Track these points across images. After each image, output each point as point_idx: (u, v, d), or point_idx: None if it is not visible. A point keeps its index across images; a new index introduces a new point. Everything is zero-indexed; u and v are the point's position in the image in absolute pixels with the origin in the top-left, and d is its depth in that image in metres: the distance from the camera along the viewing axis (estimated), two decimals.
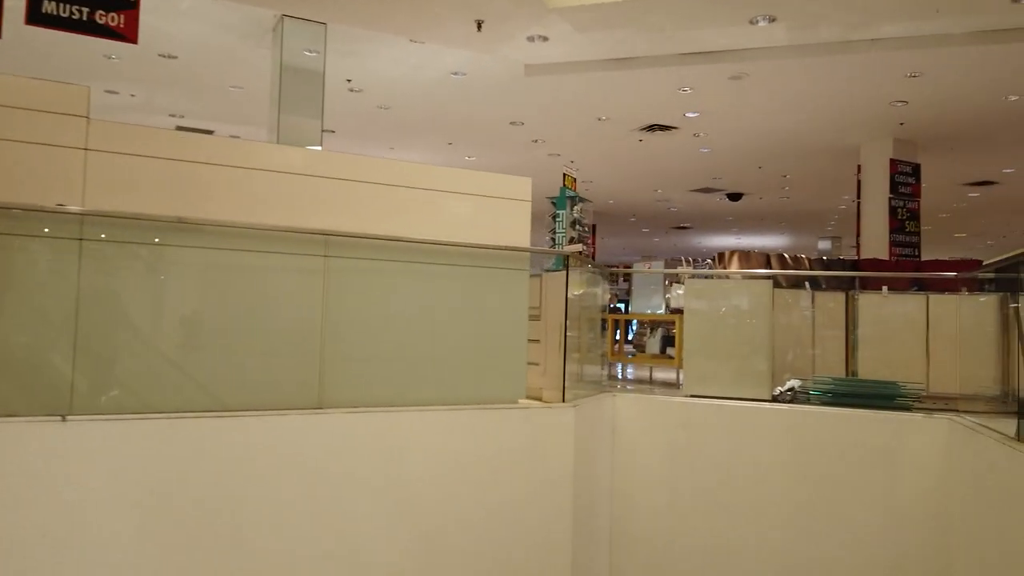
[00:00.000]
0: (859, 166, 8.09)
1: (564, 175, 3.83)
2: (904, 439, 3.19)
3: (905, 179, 7.65)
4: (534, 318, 3.77)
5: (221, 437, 2.28)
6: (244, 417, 2.31)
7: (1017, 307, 2.80)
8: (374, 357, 2.60)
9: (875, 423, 3.24)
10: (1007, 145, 7.85)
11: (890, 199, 7.56)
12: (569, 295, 3.33)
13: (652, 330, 5.57)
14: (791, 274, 4.08)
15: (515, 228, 2.85)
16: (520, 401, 2.80)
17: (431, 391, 2.65)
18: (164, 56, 5.64)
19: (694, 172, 9.65)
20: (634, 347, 6.00)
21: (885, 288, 4.02)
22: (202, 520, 2.22)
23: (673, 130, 7.54)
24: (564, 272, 3.28)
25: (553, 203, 3.82)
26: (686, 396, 3.56)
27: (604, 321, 4.26)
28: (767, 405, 3.41)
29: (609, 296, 6.74)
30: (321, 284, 2.50)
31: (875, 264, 4.43)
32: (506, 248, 2.82)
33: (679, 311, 4.26)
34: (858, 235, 8.08)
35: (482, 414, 2.68)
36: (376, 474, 2.49)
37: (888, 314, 3.94)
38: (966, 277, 3.99)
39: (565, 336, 3.02)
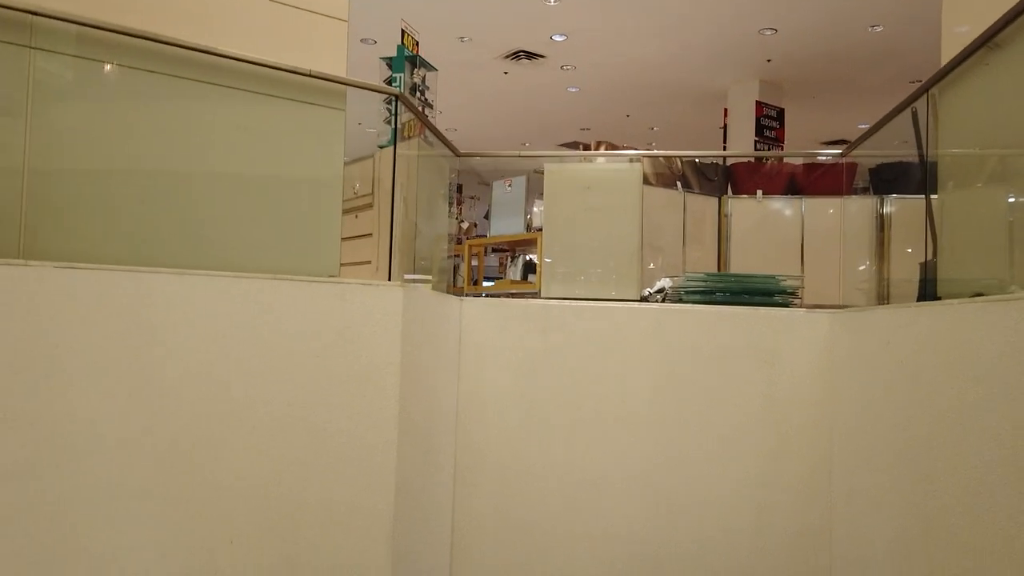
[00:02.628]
0: (725, 110, 7.97)
1: (403, 32, 3.20)
2: (784, 336, 2.82)
3: (770, 123, 7.58)
4: (366, 207, 3.14)
5: None
6: None
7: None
8: (120, 200, 1.90)
9: (753, 320, 2.85)
10: (867, 92, 7.94)
11: (756, 142, 7.46)
12: (407, 169, 2.73)
13: (513, 257, 5.06)
14: (661, 154, 3.68)
15: (326, 54, 2.20)
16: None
17: (202, 253, 1.98)
18: None
19: (562, 119, 9.27)
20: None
21: (759, 192, 3.67)
22: None
23: (540, 59, 7.05)
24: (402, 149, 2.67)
25: (389, 65, 3.18)
26: (544, 299, 3.05)
27: (455, 243, 3.70)
28: (636, 305, 2.95)
29: (467, 225, 6.20)
30: (24, 87, 1.76)
31: (749, 168, 4.16)
32: (309, 74, 2.16)
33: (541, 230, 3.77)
34: None
35: (276, 287, 2.03)
36: (113, 353, 1.80)
37: (762, 219, 3.60)
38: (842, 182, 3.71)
39: (393, 199, 2.40)
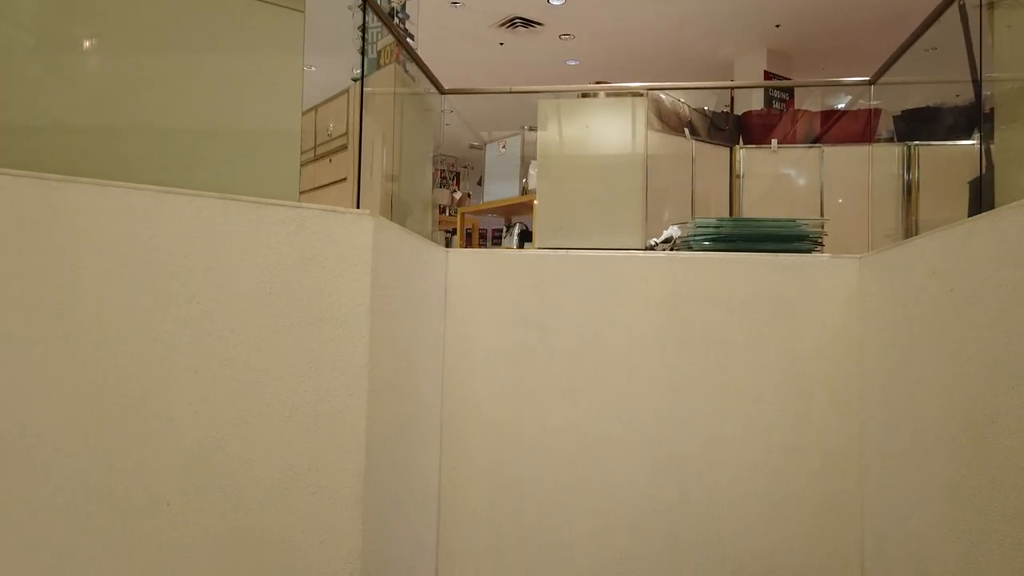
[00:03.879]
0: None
1: None
2: (807, 284, 2.52)
3: (780, 93, 7.26)
4: (340, 148, 2.84)
5: None
6: None
7: None
8: (31, 97, 1.60)
9: (772, 268, 2.55)
10: (878, 62, 7.62)
11: (765, 112, 7.13)
12: (383, 105, 2.44)
13: (508, 227, 4.76)
14: (667, 87, 3.38)
15: None
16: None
17: (128, 163, 1.69)
18: None
19: None
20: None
21: (774, 142, 3.37)
22: None
23: (537, 27, 6.75)
24: (377, 81, 2.37)
25: None
26: (539, 250, 2.76)
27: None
28: (640, 254, 2.65)
29: (460, 195, 5.90)
30: None
31: (762, 117, 3.85)
32: None
33: None
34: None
35: (219, 207, 1.73)
36: (10, 277, 1.50)
37: (777, 169, 3.30)
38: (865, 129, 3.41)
39: (361, 115, 2.10)
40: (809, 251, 2.60)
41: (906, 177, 3.08)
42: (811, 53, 7.34)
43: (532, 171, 4.30)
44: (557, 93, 2.73)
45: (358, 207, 2.03)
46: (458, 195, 5.50)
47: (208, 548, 1.69)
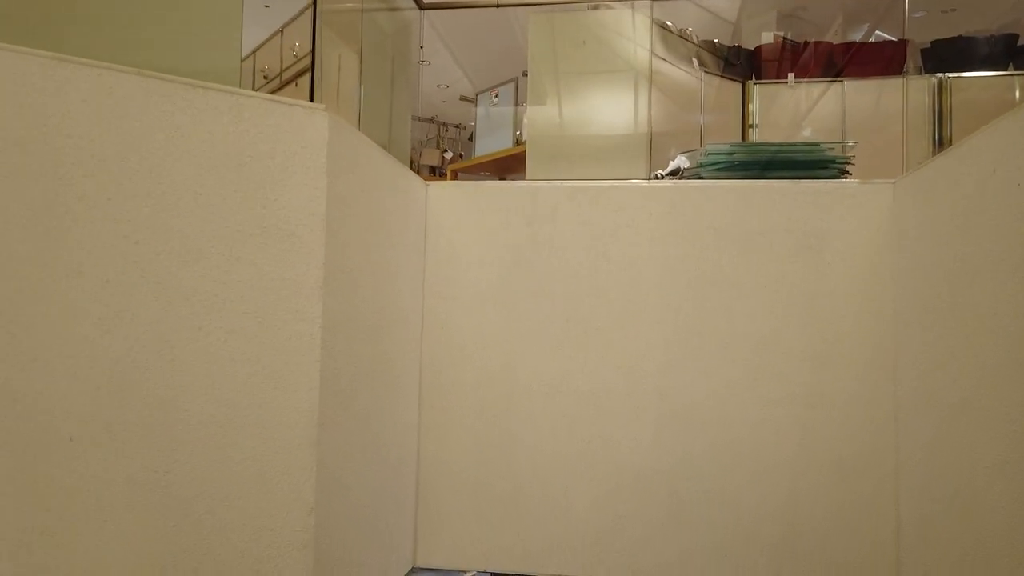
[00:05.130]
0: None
1: None
2: (834, 213, 2.22)
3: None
4: (306, 70, 2.54)
5: None
6: None
7: None
8: None
9: (794, 196, 2.25)
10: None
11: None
12: (353, 22, 2.14)
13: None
14: None
15: None
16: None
17: (14, 22, 1.40)
18: None
19: None
20: None
21: (791, 76, 3.06)
22: None
23: None
24: None
25: None
26: (531, 182, 2.46)
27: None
28: (643, 183, 2.36)
29: (451, 155, 5.59)
30: None
31: (778, 51, 3.54)
32: None
33: None
34: None
35: (141, 85, 1.44)
36: None
37: (794, 105, 3.00)
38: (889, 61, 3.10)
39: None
40: (835, 178, 2.30)
41: (938, 108, 2.77)
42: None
43: (527, 120, 4.00)
44: (551, 5, 2.44)
45: (312, 99, 1.74)
46: (449, 155, 5.20)
47: (121, 496, 1.40)
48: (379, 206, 1.96)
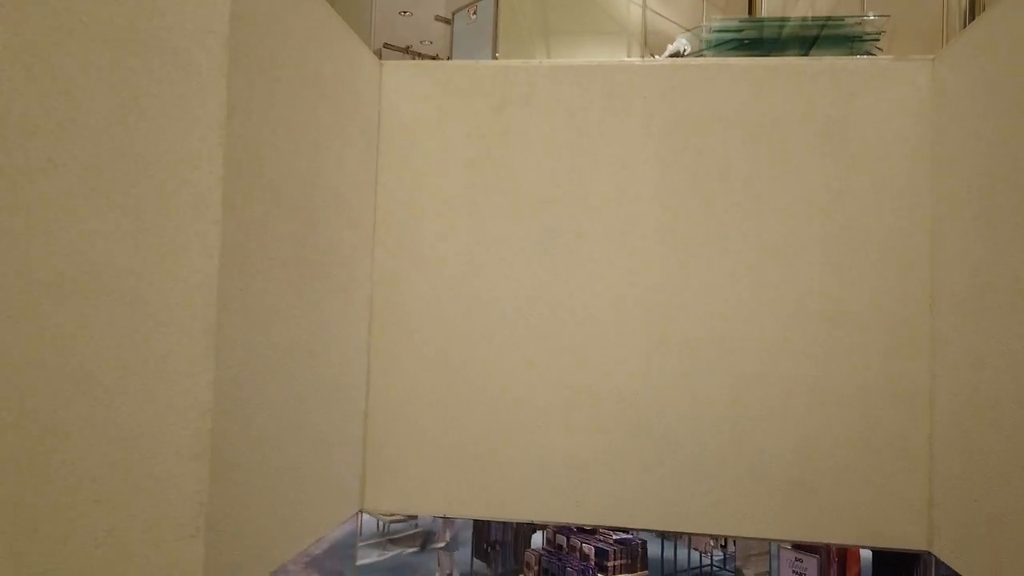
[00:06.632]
0: None
1: None
2: (860, 97, 1.86)
3: None
4: None
5: None
6: None
7: None
8: None
9: (813, 75, 1.88)
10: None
11: None
12: None
13: None
14: None
15: None
16: None
17: None
18: None
19: None
20: None
21: None
22: None
23: None
24: None
25: None
26: (502, 62, 2.08)
27: None
28: (636, 62, 1.98)
29: None
30: None
31: None
32: None
33: None
34: None
35: None
36: None
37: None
38: None
39: None
40: (864, 53, 1.94)
41: None
42: None
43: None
44: None
45: None
46: None
47: None
48: (311, 70, 1.58)
